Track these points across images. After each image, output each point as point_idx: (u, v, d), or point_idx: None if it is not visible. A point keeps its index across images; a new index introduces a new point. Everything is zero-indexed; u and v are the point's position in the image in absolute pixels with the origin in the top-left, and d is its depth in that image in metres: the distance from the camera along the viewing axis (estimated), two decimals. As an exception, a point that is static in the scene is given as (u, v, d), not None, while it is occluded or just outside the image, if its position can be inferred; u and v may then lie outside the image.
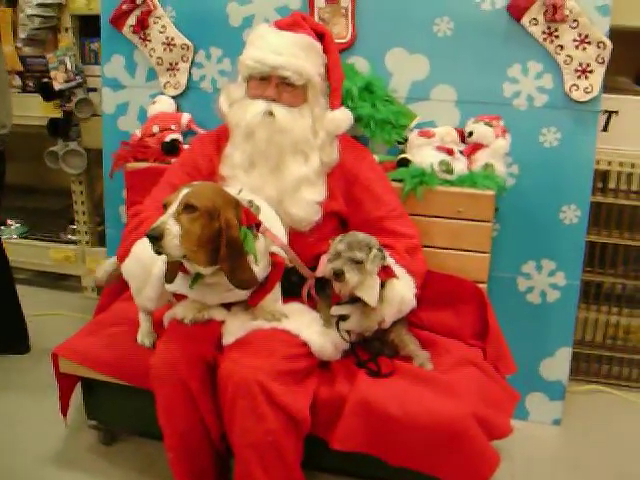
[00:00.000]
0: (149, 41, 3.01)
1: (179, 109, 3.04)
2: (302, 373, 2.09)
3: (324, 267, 2.12)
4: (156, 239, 1.82)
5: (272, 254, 2.09)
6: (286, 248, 2.14)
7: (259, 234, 2.02)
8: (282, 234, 2.18)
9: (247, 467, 1.98)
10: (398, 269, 2.20)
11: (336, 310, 2.18)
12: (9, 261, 3.24)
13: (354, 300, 2.15)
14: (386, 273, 2.14)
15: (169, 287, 2.09)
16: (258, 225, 2.03)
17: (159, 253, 1.87)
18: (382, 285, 2.13)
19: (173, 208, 1.87)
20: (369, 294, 2.10)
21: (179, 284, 2.06)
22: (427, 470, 1.99)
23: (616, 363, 3.15)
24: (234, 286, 1.97)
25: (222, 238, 1.91)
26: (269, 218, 2.14)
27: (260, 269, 2.03)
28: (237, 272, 1.94)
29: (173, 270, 2.01)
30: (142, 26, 2.97)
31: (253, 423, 1.95)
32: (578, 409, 2.93)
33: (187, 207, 1.87)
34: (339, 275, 2.04)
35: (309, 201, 2.29)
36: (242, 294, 2.10)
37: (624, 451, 2.68)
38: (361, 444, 2.01)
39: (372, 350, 2.25)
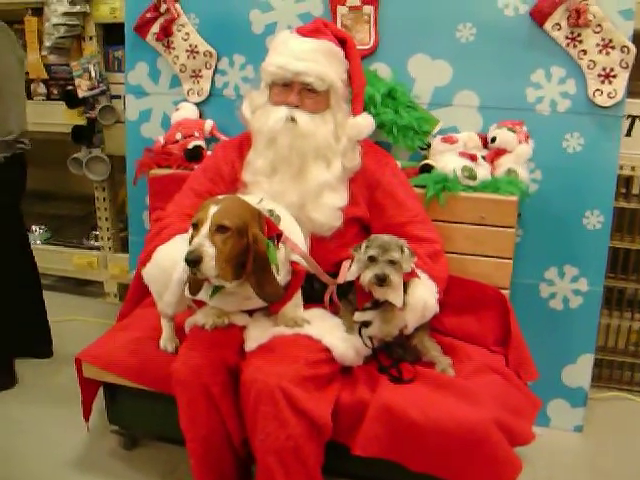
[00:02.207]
0: (173, 48, 3.03)
1: (202, 116, 3.05)
2: (324, 379, 2.09)
3: (362, 276, 2.09)
4: (195, 263, 1.83)
5: (292, 262, 2.10)
6: (306, 256, 2.14)
7: (280, 244, 2.03)
8: (302, 242, 2.18)
9: (269, 472, 1.97)
10: (421, 275, 2.20)
11: (359, 316, 2.18)
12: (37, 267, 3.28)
13: (377, 306, 2.15)
14: (409, 273, 2.13)
15: (189, 295, 2.09)
16: (280, 235, 2.03)
17: (194, 274, 1.87)
18: (404, 289, 2.12)
19: (206, 229, 1.87)
20: (395, 295, 2.09)
21: (200, 292, 2.07)
22: (449, 476, 1.98)
23: (638, 370, 3.12)
24: (261, 299, 1.99)
25: (249, 253, 1.92)
26: (289, 226, 2.14)
27: (281, 278, 2.04)
28: (264, 285, 1.95)
29: (198, 282, 2.01)
30: (166, 34, 2.99)
31: (275, 429, 1.95)
32: (600, 416, 2.91)
33: (220, 228, 1.87)
34: (384, 280, 2.03)
35: (331, 206, 2.30)
36: (261, 302, 2.09)
37: (646, 459, 2.66)
38: (382, 450, 2.00)
39: (394, 356, 2.24)
